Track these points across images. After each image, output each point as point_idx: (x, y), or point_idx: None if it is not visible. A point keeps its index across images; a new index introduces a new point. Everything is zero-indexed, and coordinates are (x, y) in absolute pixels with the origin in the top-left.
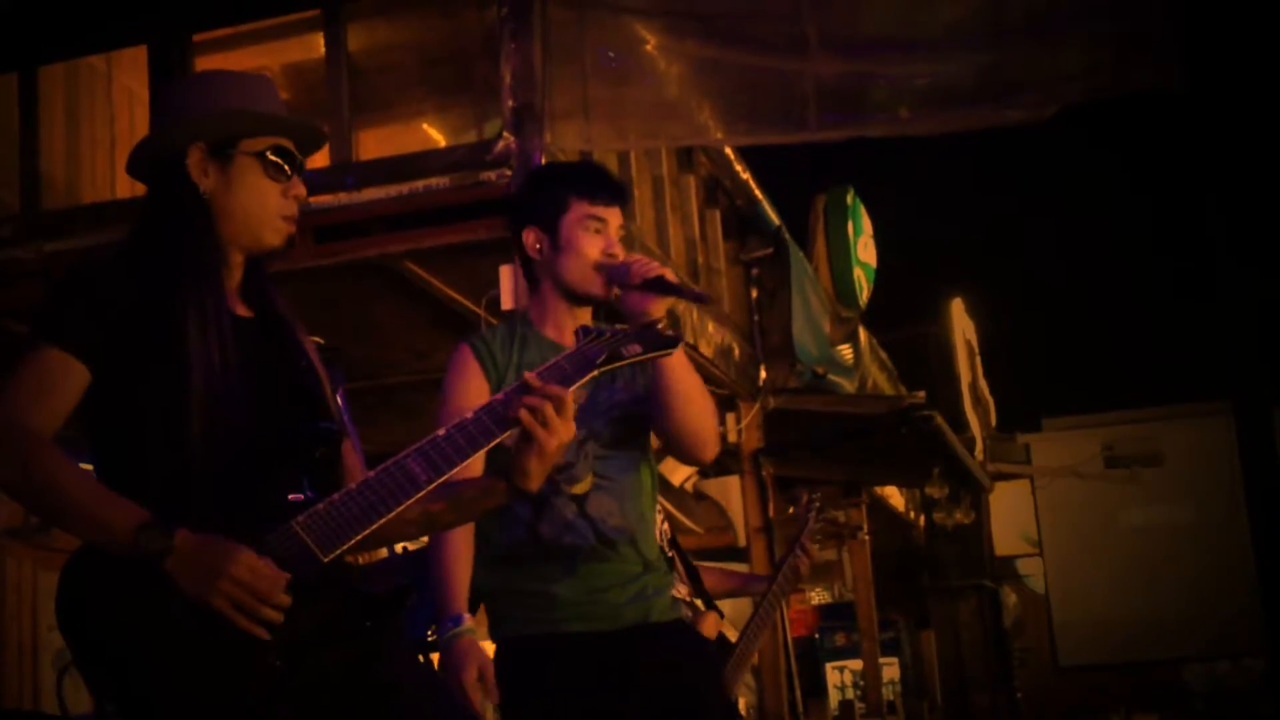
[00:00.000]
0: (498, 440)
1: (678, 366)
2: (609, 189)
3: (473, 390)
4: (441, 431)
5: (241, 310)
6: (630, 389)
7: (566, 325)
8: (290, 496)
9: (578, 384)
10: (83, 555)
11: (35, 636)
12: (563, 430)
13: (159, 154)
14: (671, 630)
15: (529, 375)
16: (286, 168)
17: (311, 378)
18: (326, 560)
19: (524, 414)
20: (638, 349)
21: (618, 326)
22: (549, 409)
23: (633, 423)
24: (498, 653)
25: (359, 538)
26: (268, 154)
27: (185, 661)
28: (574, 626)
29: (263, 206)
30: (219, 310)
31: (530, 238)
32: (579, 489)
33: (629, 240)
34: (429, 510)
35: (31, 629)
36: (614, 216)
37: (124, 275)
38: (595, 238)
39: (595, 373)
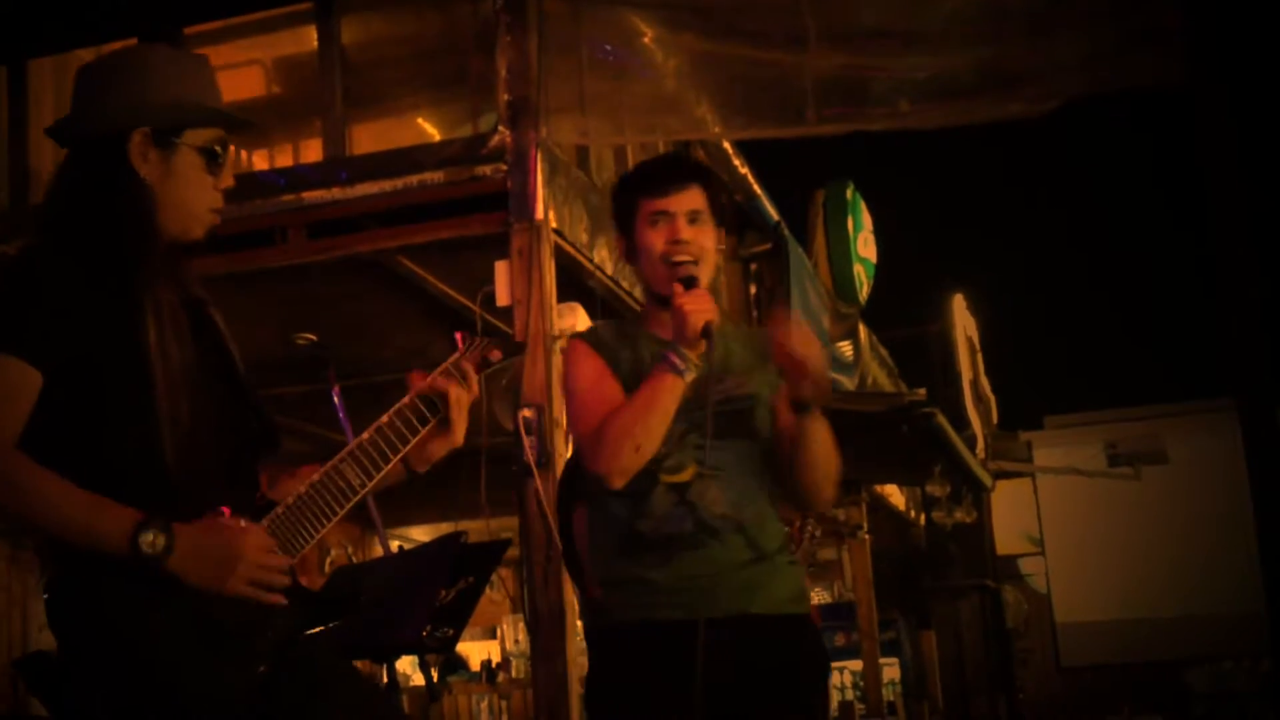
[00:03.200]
0: (414, 443)
1: (819, 431)
2: (667, 177)
3: (595, 371)
4: (366, 434)
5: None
6: (740, 385)
7: (664, 322)
8: (251, 495)
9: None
10: (71, 560)
11: (25, 636)
12: (465, 422)
13: (97, 130)
14: (772, 625)
15: (425, 379)
16: (222, 158)
17: (233, 361)
18: (293, 561)
19: (443, 409)
20: (499, 354)
21: (492, 336)
22: (459, 407)
23: (741, 417)
24: (598, 642)
25: (316, 539)
26: (210, 148)
27: (178, 667)
28: (667, 614)
29: (197, 200)
30: (173, 303)
31: (623, 247)
32: (680, 478)
33: None
34: None
35: (21, 629)
36: (680, 203)
37: (71, 269)
38: (659, 231)
39: (479, 375)
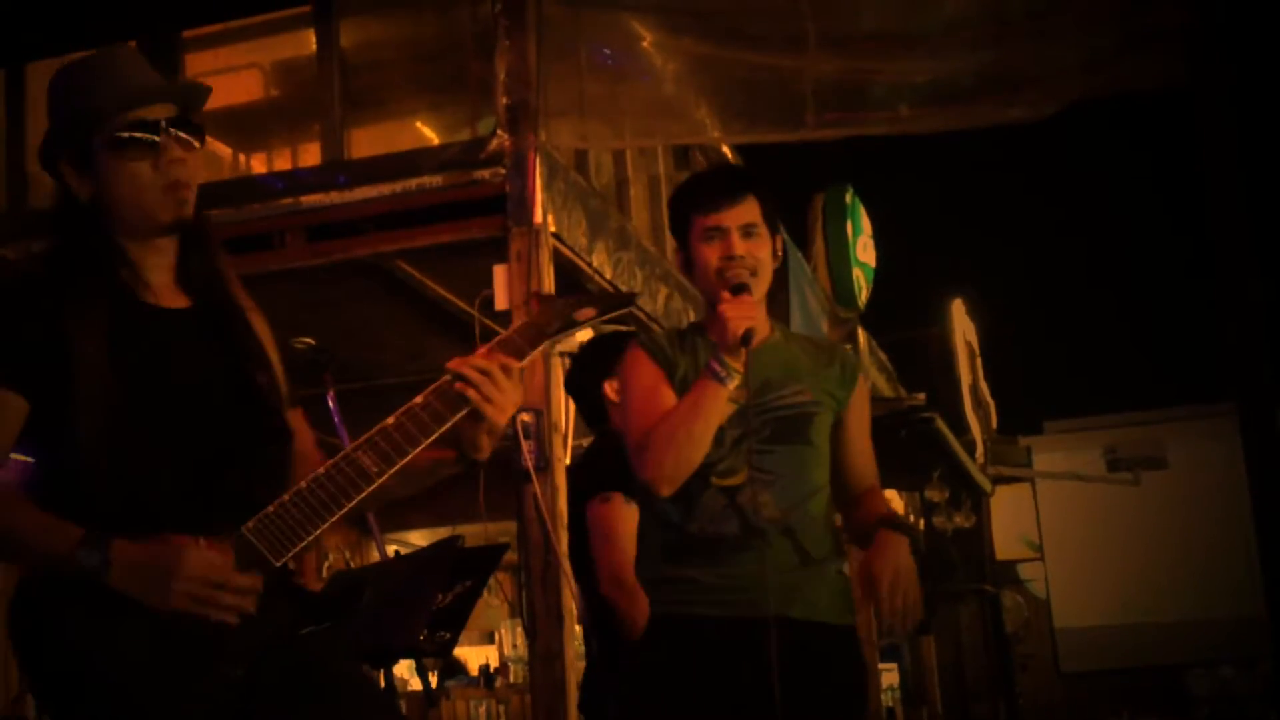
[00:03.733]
0: (449, 424)
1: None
2: (720, 191)
3: (649, 378)
4: (390, 420)
5: (173, 301)
6: (799, 391)
7: None
8: (240, 500)
9: (532, 354)
10: (34, 575)
11: None
12: (506, 402)
13: (46, 170)
14: (808, 631)
15: (469, 358)
16: (146, 142)
17: (257, 368)
18: (278, 564)
19: (471, 392)
20: (591, 312)
21: (575, 295)
22: (488, 384)
23: (798, 422)
24: (646, 632)
25: (311, 538)
26: (119, 137)
27: (142, 678)
28: (706, 610)
29: (136, 190)
30: (98, 309)
31: (679, 259)
32: (731, 481)
33: (625, 238)
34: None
35: None
36: (734, 217)
37: (34, 293)
38: (713, 247)
39: (547, 343)
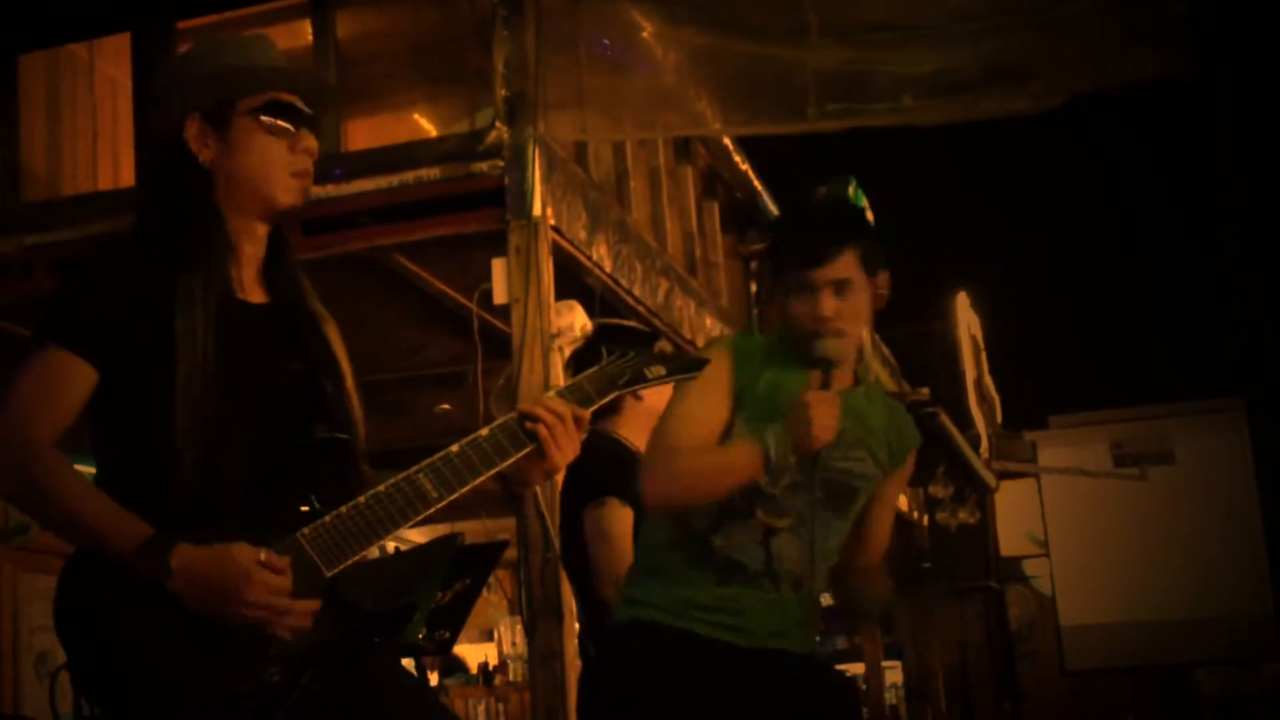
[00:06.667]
0: (512, 460)
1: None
2: (816, 245)
3: (713, 387)
4: (455, 448)
5: (255, 296)
6: (861, 461)
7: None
8: (299, 508)
9: (599, 403)
10: (82, 557)
11: (16, 639)
12: (570, 448)
13: (160, 135)
14: (804, 662)
15: (543, 398)
16: (289, 123)
17: (325, 376)
18: (330, 575)
19: (541, 430)
20: (661, 371)
21: (644, 350)
22: (559, 428)
23: (847, 493)
24: (623, 633)
25: (364, 552)
26: (267, 109)
27: (181, 671)
28: (713, 633)
29: (268, 165)
30: (208, 297)
31: (773, 286)
32: (776, 522)
33: (626, 231)
34: None
35: (12, 632)
36: (827, 274)
37: (127, 264)
38: (803, 303)
39: (615, 393)
